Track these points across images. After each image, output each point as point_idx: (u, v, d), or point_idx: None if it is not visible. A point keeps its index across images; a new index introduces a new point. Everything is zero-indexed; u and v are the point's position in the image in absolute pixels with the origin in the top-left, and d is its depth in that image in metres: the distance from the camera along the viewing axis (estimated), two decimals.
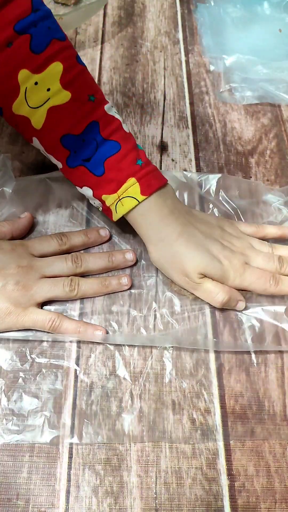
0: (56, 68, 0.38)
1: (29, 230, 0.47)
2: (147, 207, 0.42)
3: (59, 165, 0.43)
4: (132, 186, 0.41)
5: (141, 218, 0.42)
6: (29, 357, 0.40)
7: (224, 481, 0.37)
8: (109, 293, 0.44)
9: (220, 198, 0.51)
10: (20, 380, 0.39)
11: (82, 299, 0.43)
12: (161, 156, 0.56)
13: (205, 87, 0.64)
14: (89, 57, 0.65)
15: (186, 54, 0.67)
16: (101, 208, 0.45)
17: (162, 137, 0.58)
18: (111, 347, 0.41)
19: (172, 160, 0.55)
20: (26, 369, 0.40)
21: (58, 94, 0.39)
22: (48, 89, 0.38)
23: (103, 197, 0.42)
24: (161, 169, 0.54)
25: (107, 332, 0.42)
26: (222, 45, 0.67)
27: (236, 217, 0.50)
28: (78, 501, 0.35)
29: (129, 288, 0.44)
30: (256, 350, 0.42)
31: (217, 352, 0.42)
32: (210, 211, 0.51)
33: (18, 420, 0.38)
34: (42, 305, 0.42)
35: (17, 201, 0.48)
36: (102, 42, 0.68)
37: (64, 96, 0.39)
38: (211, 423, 0.39)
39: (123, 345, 0.42)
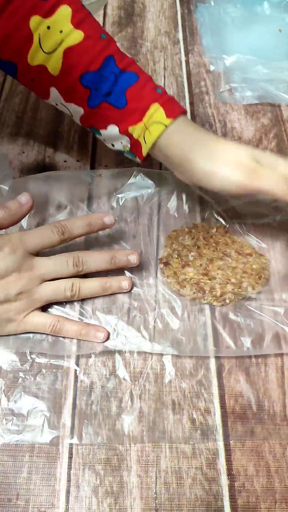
0: (65, 10, 0.40)
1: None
2: (175, 129, 0.42)
3: (80, 111, 0.43)
4: (156, 112, 0.41)
5: (169, 141, 0.42)
6: (29, 357, 0.40)
7: (224, 481, 0.37)
8: (109, 295, 0.44)
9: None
10: (20, 380, 0.39)
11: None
12: None
13: (205, 87, 0.64)
14: None
15: (186, 54, 0.67)
16: (128, 147, 0.44)
17: None
18: (111, 347, 0.41)
19: None
20: (26, 369, 0.40)
21: (71, 34, 0.40)
22: (61, 31, 0.39)
23: (130, 129, 0.43)
24: (161, 169, 0.54)
25: (108, 333, 0.42)
26: (222, 45, 0.67)
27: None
28: (78, 501, 0.35)
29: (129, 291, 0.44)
30: (255, 347, 0.42)
31: (217, 352, 0.42)
32: (208, 212, 0.51)
33: (18, 420, 0.38)
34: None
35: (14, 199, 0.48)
36: None
37: (78, 35, 0.40)
38: (211, 423, 0.39)
39: (123, 344, 0.42)
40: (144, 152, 0.43)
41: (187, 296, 0.45)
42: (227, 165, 0.40)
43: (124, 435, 0.38)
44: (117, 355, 0.41)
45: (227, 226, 0.50)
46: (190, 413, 0.39)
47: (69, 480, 0.36)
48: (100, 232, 0.47)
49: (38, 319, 0.40)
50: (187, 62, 0.66)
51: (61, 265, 0.41)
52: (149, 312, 0.43)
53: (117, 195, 0.51)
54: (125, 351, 0.41)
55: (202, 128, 0.44)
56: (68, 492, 0.36)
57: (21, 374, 0.40)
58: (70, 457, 0.37)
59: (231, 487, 0.37)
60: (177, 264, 0.47)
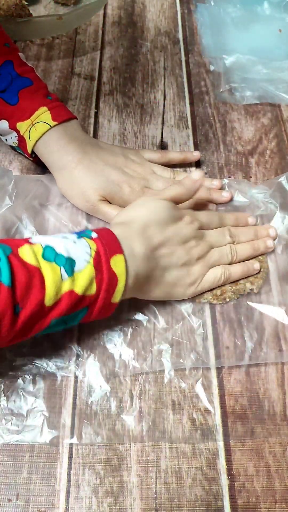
0: None
1: None
2: (53, 134, 0.46)
3: None
4: (44, 113, 0.46)
5: (45, 147, 0.47)
6: (28, 357, 0.40)
7: (224, 481, 0.37)
8: (259, 255, 0.47)
9: None
10: (20, 380, 0.39)
11: None
12: None
13: (205, 87, 0.64)
14: (89, 57, 0.65)
15: (186, 54, 0.67)
16: (16, 143, 0.48)
17: (162, 137, 0.58)
18: (111, 347, 0.41)
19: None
20: (25, 369, 0.40)
21: None
22: None
23: (18, 125, 0.47)
24: None
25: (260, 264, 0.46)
26: (222, 45, 0.67)
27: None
28: (78, 501, 0.35)
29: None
30: (256, 350, 0.42)
31: (217, 353, 0.42)
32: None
33: (18, 420, 0.38)
34: None
35: (16, 197, 0.48)
36: (102, 42, 0.68)
37: None
38: (211, 423, 0.39)
39: (122, 345, 0.42)
40: (29, 149, 0.47)
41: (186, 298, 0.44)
42: (75, 197, 0.47)
43: (124, 435, 0.38)
44: (116, 355, 0.41)
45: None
46: (190, 413, 0.39)
47: (69, 480, 0.36)
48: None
49: (212, 275, 0.43)
50: (187, 62, 0.66)
51: (222, 236, 0.46)
52: (149, 312, 0.43)
53: None
54: (124, 351, 0.41)
55: (77, 138, 0.47)
56: (68, 492, 0.36)
57: (20, 374, 0.40)
58: (70, 457, 0.37)
59: (231, 487, 0.37)
60: None
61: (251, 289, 0.45)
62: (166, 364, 0.41)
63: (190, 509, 0.36)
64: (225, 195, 0.50)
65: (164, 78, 0.64)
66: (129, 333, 0.42)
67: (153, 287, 0.41)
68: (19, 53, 0.50)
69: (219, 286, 0.45)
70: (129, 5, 0.73)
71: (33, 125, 0.46)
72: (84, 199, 0.46)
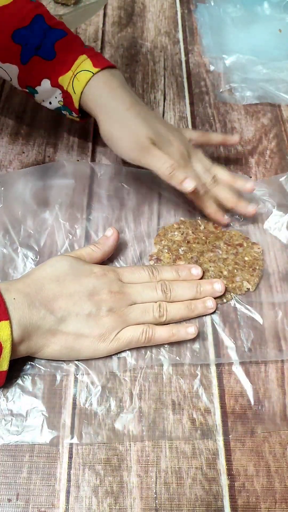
0: None
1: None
2: (98, 79, 0.45)
3: (16, 70, 0.46)
4: (84, 61, 0.45)
5: (93, 91, 0.45)
6: (28, 357, 0.40)
7: (224, 481, 0.37)
8: (195, 317, 0.43)
9: None
10: (19, 380, 0.39)
11: None
12: None
13: (205, 87, 0.64)
14: None
15: (186, 54, 0.67)
16: (62, 102, 0.47)
17: None
18: None
19: None
20: (25, 369, 0.40)
21: None
22: None
23: (60, 80, 0.46)
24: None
25: (197, 327, 0.42)
26: (222, 45, 0.67)
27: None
28: (78, 501, 0.35)
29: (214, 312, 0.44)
30: (255, 350, 0.42)
31: (216, 352, 0.42)
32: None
33: (17, 421, 0.38)
34: None
35: (5, 198, 0.48)
36: (102, 42, 0.68)
37: None
38: (211, 423, 0.39)
39: None
40: (75, 102, 0.46)
41: None
42: (124, 137, 0.44)
43: (124, 435, 0.38)
44: (116, 355, 0.41)
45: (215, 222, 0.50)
46: (190, 413, 0.39)
47: (69, 480, 0.36)
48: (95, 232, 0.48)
49: (129, 332, 0.40)
50: (187, 62, 0.66)
51: (151, 290, 0.42)
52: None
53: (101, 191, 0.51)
54: (124, 351, 0.41)
55: (122, 86, 0.46)
56: (68, 492, 0.36)
57: (19, 374, 0.40)
58: (70, 457, 0.37)
59: (231, 487, 0.36)
60: (168, 259, 0.47)
61: (248, 288, 0.45)
62: (165, 361, 0.41)
63: (190, 509, 0.36)
64: (249, 209, 0.48)
65: (164, 78, 0.64)
66: None
67: (50, 337, 0.38)
68: (47, 9, 0.48)
69: None
70: (129, 5, 0.73)
71: (74, 76, 0.45)
72: (135, 140, 0.44)
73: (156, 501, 0.36)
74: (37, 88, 0.47)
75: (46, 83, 0.46)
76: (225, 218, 0.48)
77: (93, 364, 0.41)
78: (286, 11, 0.73)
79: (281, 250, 0.48)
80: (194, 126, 0.59)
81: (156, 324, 0.41)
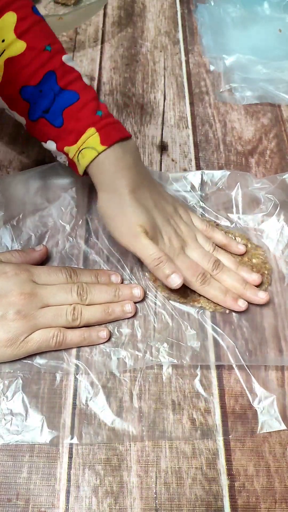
0: (10, 18, 0.38)
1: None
2: (106, 156, 0.41)
3: (23, 121, 0.43)
4: (91, 136, 0.41)
5: (98, 167, 0.42)
6: (28, 357, 0.40)
7: (224, 481, 0.37)
8: (112, 321, 0.42)
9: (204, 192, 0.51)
10: (19, 380, 0.39)
11: None
12: (161, 156, 0.56)
13: (205, 87, 0.64)
14: (89, 57, 0.65)
15: (186, 54, 0.67)
16: (67, 163, 0.44)
17: (162, 137, 0.58)
18: (110, 347, 0.41)
19: (172, 160, 0.55)
20: (25, 369, 0.40)
21: (13, 44, 0.38)
22: (3, 40, 0.38)
23: (66, 149, 0.42)
24: (161, 169, 0.54)
25: (109, 332, 0.41)
26: (222, 45, 0.67)
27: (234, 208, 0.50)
28: (78, 501, 0.35)
29: (133, 316, 0.43)
30: (255, 350, 0.42)
31: (217, 352, 0.42)
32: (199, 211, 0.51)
33: (17, 420, 0.38)
34: None
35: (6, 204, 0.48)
36: (102, 42, 0.68)
37: (20, 46, 0.39)
38: (211, 423, 0.39)
39: (123, 344, 0.42)
40: (80, 172, 0.43)
41: (179, 300, 0.44)
42: (118, 222, 0.42)
43: (124, 435, 0.38)
44: (116, 354, 0.41)
45: (220, 223, 0.50)
46: (190, 413, 0.39)
47: (69, 480, 0.36)
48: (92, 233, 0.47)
49: (39, 336, 0.39)
50: (187, 62, 0.66)
51: (65, 292, 0.41)
52: (148, 311, 0.43)
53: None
54: (123, 351, 0.41)
55: (135, 165, 0.43)
56: (68, 492, 0.36)
57: (20, 374, 0.40)
58: (70, 457, 0.37)
59: (231, 487, 0.36)
60: None
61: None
62: (164, 361, 0.41)
63: (190, 509, 0.36)
64: (260, 296, 0.44)
65: (164, 78, 0.64)
66: (128, 333, 0.42)
67: None
68: (63, 56, 0.42)
69: None
70: (129, 5, 0.73)
71: (80, 151, 0.41)
72: (127, 226, 0.42)
73: (156, 501, 0.36)
74: (43, 144, 0.44)
75: (52, 145, 0.43)
76: (239, 303, 0.43)
77: (93, 364, 0.41)
78: (286, 11, 0.73)
79: (282, 249, 0.48)
80: (194, 126, 0.59)
81: (71, 328, 0.40)
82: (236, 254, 0.47)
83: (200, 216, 0.49)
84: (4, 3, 0.37)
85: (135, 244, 0.42)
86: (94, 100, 0.42)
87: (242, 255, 0.47)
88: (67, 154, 0.43)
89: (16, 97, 0.41)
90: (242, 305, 0.43)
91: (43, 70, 0.40)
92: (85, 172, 0.43)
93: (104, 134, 0.41)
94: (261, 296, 0.44)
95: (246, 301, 0.44)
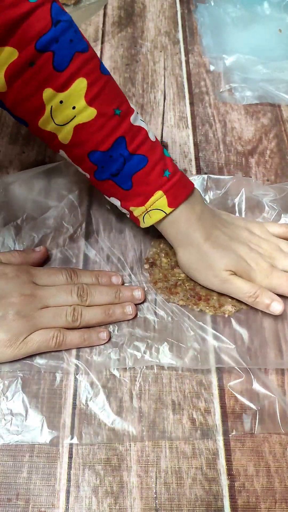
0: (80, 84, 0.37)
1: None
2: (175, 217, 0.42)
3: (87, 176, 0.43)
4: (159, 199, 0.41)
5: (169, 226, 0.43)
6: (28, 357, 0.40)
7: (224, 481, 0.37)
8: (113, 322, 0.43)
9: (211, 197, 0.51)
10: (19, 380, 0.39)
11: None
12: None
13: (205, 87, 0.64)
14: None
15: (186, 54, 0.67)
16: (128, 216, 0.45)
17: (162, 137, 0.58)
18: (110, 347, 0.41)
19: (172, 160, 0.55)
20: (25, 369, 0.40)
21: (83, 111, 0.38)
22: (74, 107, 0.38)
23: (131, 208, 0.43)
24: None
25: (109, 332, 0.42)
26: (222, 45, 0.67)
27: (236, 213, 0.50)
28: (78, 501, 0.35)
29: (134, 318, 0.43)
30: (256, 352, 0.42)
31: (217, 352, 0.42)
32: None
33: (17, 420, 0.38)
34: None
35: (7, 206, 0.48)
36: (102, 42, 0.68)
37: (90, 113, 0.38)
38: (211, 423, 0.39)
39: (123, 344, 0.42)
40: (142, 227, 0.44)
41: (178, 302, 0.44)
42: (203, 270, 0.43)
43: (124, 435, 0.38)
44: (116, 355, 0.41)
45: None
46: (190, 413, 0.39)
47: (69, 480, 0.36)
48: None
49: (39, 337, 0.39)
50: (187, 62, 0.66)
51: (65, 293, 0.41)
52: (147, 312, 0.43)
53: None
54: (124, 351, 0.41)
55: (203, 213, 0.43)
56: (68, 492, 0.36)
57: (20, 374, 0.40)
58: (70, 457, 0.37)
59: (231, 487, 0.37)
60: (166, 265, 0.46)
61: None
62: (164, 362, 0.41)
63: (190, 509, 0.36)
64: None
65: (164, 78, 0.64)
66: (128, 334, 0.42)
67: None
68: (131, 117, 0.40)
69: (217, 297, 0.44)
70: (129, 5, 0.73)
71: (147, 211, 0.42)
72: (213, 274, 0.42)
73: (156, 501, 0.36)
74: (105, 197, 0.45)
75: (116, 201, 0.44)
76: None
77: (93, 364, 0.41)
78: (286, 11, 0.73)
79: None
80: (194, 126, 0.59)
81: (71, 329, 0.40)
82: None
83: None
84: (75, 69, 0.37)
85: (228, 289, 0.43)
86: (161, 160, 0.42)
87: None
88: (131, 212, 0.43)
89: (83, 159, 0.41)
90: None
91: (113, 137, 0.40)
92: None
93: (171, 195, 0.41)
94: None
95: None
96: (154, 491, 0.36)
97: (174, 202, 0.42)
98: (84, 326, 0.41)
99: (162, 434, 0.38)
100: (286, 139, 0.59)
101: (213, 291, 0.44)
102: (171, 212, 0.42)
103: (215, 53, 0.67)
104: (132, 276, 0.45)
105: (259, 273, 0.43)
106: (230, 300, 0.44)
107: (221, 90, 0.63)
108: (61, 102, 0.37)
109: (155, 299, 0.44)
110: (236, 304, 0.44)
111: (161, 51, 0.67)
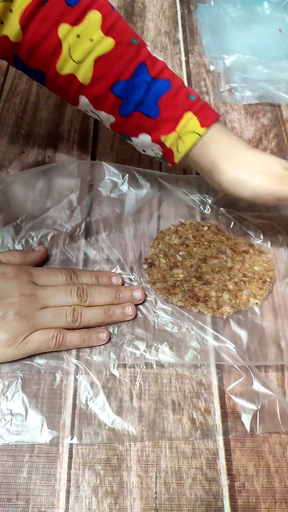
0: (95, 16, 0.38)
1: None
2: (209, 137, 0.41)
3: (111, 118, 0.42)
4: (190, 120, 0.41)
5: (203, 150, 0.41)
6: (28, 357, 0.40)
7: (224, 481, 0.37)
8: (112, 323, 0.42)
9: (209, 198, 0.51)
10: (19, 380, 0.39)
11: None
12: None
13: (205, 87, 0.64)
14: None
15: (186, 54, 0.67)
16: (160, 155, 0.44)
17: None
18: (110, 347, 0.41)
19: None
20: (25, 369, 0.40)
21: (102, 42, 0.38)
22: (91, 39, 0.38)
23: (162, 138, 0.42)
24: (161, 169, 0.54)
25: (109, 333, 0.41)
26: (222, 45, 0.67)
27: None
28: (78, 501, 0.35)
29: (134, 318, 0.43)
30: (255, 350, 0.42)
31: (217, 352, 0.42)
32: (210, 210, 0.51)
33: (17, 420, 0.38)
34: None
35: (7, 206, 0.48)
36: None
37: (109, 43, 0.39)
38: (211, 423, 0.39)
39: (122, 344, 0.42)
40: (177, 160, 0.43)
41: (177, 303, 0.44)
42: (257, 173, 0.40)
43: (124, 435, 0.38)
44: (116, 355, 0.41)
45: (219, 225, 0.49)
46: (190, 413, 0.39)
47: (69, 480, 0.36)
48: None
49: (39, 337, 0.39)
50: (187, 62, 0.66)
51: (65, 293, 0.41)
52: (147, 312, 0.43)
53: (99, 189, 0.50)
54: (124, 351, 0.41)
55: (234, 135, 0.43)
56: (68, 492, 0.36)
57: (20, 374, 0.40)
58: (70, 457, 0.37)
59: (231, 487, 0.37)
60: (165, 266, 0.46)
61: (256, 303, 0.44)
62: (164, 361, 0.41)
63: (190, 509, 0.36)
64: None
65: None
66: (128, 333, 0.42)
67: None
68: (147, 48, 0.42)
69: (216, 298, 0.44)
70: (129, 5, 0.73)
71: (180, 137, 0.41)
72: (270, 174, 0.40)
73: (156, 501, 0.36)
74: (133, 139, 0.44)
75: (145, 138, 0.43)
76: None
77: (93, 364, 0.41)
78: (286, 11, 0.73)
79: (282, 249, 0.48)
80: None
81: (70, 329, 0.40)
82: (236, 262, 0.46)
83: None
84: (87, 3, 0.38)
85: (286, 185, 0.40)
86: (184, 86, 0.42)
87: (242, 262, 0.46)
88: (163, 144, 0.42)
89: (106, 95, 0.40)
90: None
91: (134, 64, 0.40)
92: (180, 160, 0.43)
93: (202, 116, 0.41)
94: None
95: None
96: (154, 491, 0.36)
97: (206, 122, 0.41)
98: (84, 326, 0.41)
99: (162, 434, 0.38)
100: (286, 139, 0.59)
101: (210, 290, 0.44)
102: (205, 133, 0.41)
103: (215, 53, 0.67)
104: (132, 276, 0.45)
105: None
106: (229, 301, 0.44)
107: (221, 90, 0.63)
108: (78, 36, 0.38)
109: (155, 299, 0.44)
110: (234, 305, 0.44)
111: (161, 51, 0.67)
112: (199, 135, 0.41)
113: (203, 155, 0.42)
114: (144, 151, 0.45)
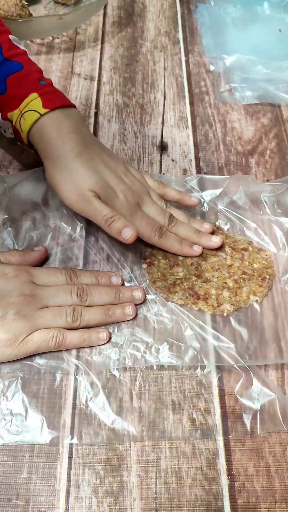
0: None
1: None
2: (47, 121, 0.42)
3: None
4: (34, 100, 0.43)
5: (40, 132, 0.43)
6: (28, 357, 0.40)
7: (224, 481, 0.37)
8: (112, 323, 0.42)
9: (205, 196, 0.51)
10: (19, 380, 0.39)
11: None
12: (161, 156, 0.56)
13: (205, 87, 0.64)
14: (89, 57, 0.65)
15: (186, 54, 0.67)
16: (12, 133, 0.45)
17: (162, 137, 0.58)
18: (110, 347, 0.41)
19: (172, 160, 0.55)
20: (25, 369, 0.40)
21: None
22: None
23: (9, 115, 0.44)
24: (161, 170, 0.54)
25: (109, 333, 0.41)
26: (222, 45, 0.67)
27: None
28: (78, 501, 0.35)
29: (134, 318, 0.43)
30: (255, 350, 0.42)
31: (216, 353, 0.42)
32: (209, 209, 0.51)
33: (17, 421, 0.38)
34: None
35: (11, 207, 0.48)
36: (102, 42, 0.68)
37: None
38: (211, 423, 0.39)
39: (122, 345, 0.42)
40: (24, 140, 0.44)
41: (177, 301, 0.44)
42: (67, 189, 0.42)
43: (124, 435, 0.38)
44: (116, 355, 0.41)
45: (218, 223, 0.50)
46: (190, 413, 0.39)
47: (69, 480, 0.36)
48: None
49: (39, 337, 0.39)
50: (187, 62, 0.66)
51: (65, 293, 0.41)
52: (147, 313, 0.43)
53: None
54: (124, 351, 0.41)
55: (78, 130, 0.43)
56: (68, 492, 0.36)
57: (20, 374, 0.40)
58: (70, 457, 0.37)
59: (231, 487, 0.37)
60: (165, 265, 0.46)
61: (255, 301, 0.44)
62: (164, 361, 0.41)
63: (190, 509, 0.36)
64: (214, 240, 0.46)
65: (164, 78, 0.64)
66: (128, 333, 0.42)
67: None
68: (10, 36, 0.45)
69: (216, 296, 0.44)
70: (129, 5, 0.73)
71: (21, 114, 0.42)
72: (77, 192, 0.42)
73: (156, 501, 0.36)
74: None
75: None
76: (195, 248, 0.46)
77: (93, 364, 0.41)
78: (286, 11, 0.73)
79: (280, 247, 0.48)
80: (194, 126, 0.59)
81: (70, 329, 0.40)
82: (235, 259, 0.46)
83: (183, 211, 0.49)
84: None
85: (88, 209, 0.42)
86: (38, 73, 0.44)
87: (242, 259, 0.46)
88: (11, 121, 0.44)
89: None
90: (197, 249, 0.46)
91: None
92: (30, 143, 0.44)
93: (46, 99, 0.42)
94: (214, 240, 0.46)
95: (202, 246, 0.46)
96: (154, 491, 0.36)
97: (49, 105, 0.42)
98: (84, 326, 0.41)
99: (162, 434, 0.38)
100: (286, 139, 0.59)
101: (210, 288, 0.44)
102: (44, 115, 0.42)
103: (215, 53, 0.67)
104: (132, 276, 0.45)
105: (125, 207, 0.43)
106: (229, 299, 0.44)
107: (221, 90, 0.63)
108: None
109: (155, 298, 0.44)
110: (234, 302, 0.44)
111: (161, 51, 0.67)
112: (40, 114, 0.42)
113: (36, 140, 0.43)
114: (5, 132, 0.47)
